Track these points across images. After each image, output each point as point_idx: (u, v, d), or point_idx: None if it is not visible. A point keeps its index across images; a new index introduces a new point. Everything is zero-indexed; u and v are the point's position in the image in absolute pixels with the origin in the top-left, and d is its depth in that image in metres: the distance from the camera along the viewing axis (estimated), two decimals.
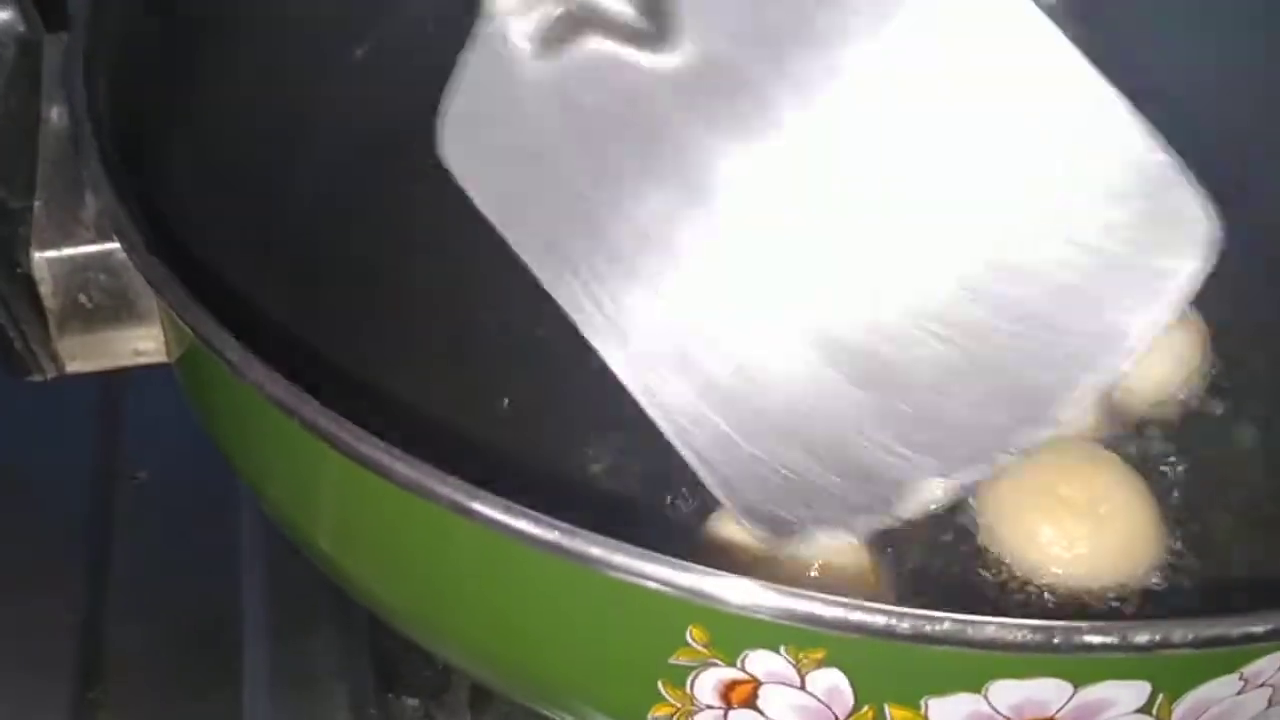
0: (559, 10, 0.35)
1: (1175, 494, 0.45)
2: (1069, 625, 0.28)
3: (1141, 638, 0.28)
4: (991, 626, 0.28)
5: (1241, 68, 0.57)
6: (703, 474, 0.36)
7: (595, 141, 0.35)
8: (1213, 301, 0.48)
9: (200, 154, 0.46)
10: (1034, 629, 0.28)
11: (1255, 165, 0.55)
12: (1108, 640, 0.28)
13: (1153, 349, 0.46)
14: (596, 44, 0.35)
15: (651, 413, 0.36)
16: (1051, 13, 0.58)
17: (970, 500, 0.44)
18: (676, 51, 0.35)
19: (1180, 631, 0.28)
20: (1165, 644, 0.28)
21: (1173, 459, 0.46)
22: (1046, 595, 0.42)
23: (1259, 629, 0.29)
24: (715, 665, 0.31)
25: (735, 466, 0.35)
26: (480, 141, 0.35)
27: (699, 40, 0.35)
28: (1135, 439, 0.47)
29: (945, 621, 0.28)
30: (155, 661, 0.47)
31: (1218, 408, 0.48)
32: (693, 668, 0.32)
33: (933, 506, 0.36)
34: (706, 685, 0.32)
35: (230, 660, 0.47)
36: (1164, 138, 0.38)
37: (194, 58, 0.47)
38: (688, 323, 0.35)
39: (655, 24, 0.35)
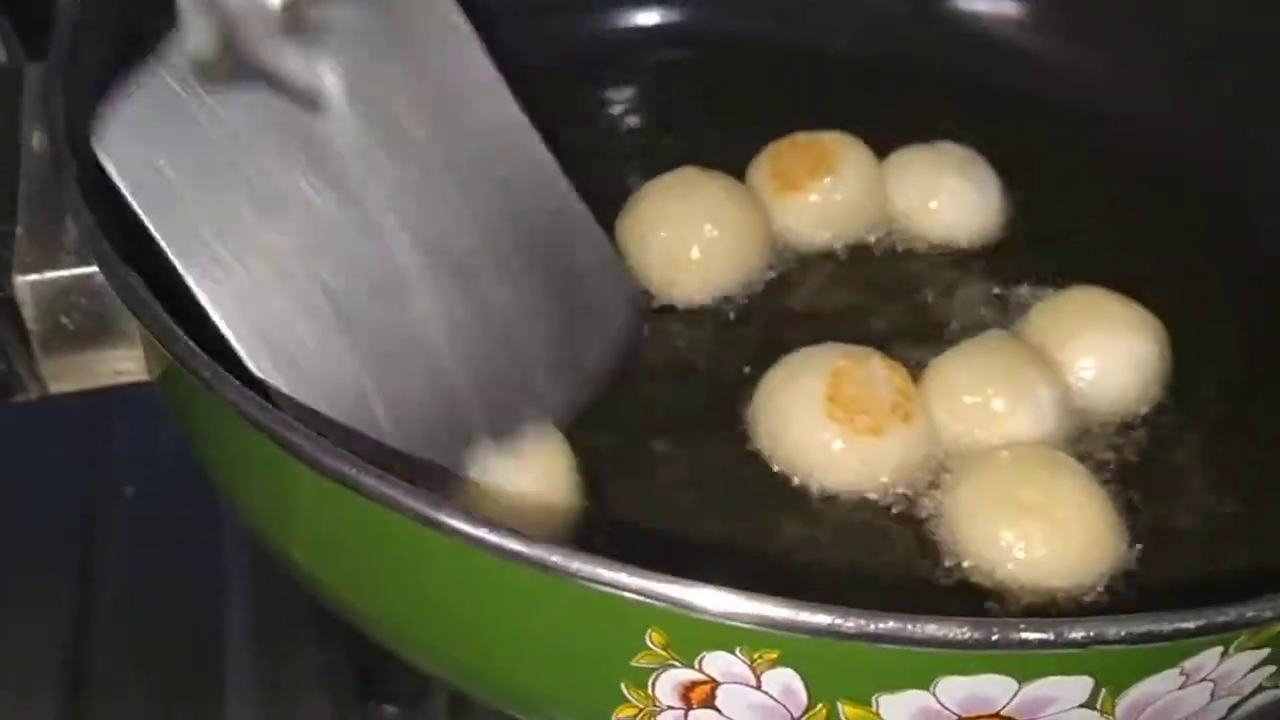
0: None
1: (1133, 498, 0.46)
2: (1006, 622, 0.29)
3: (1077, 634, 0.29)
4: (932, 625, 0.29)
5: (1206, 77, 0.58)
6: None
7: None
8: (1173, 307, 0.50)
9: None
10: (973, 626, 0.29)
11: (1216, 172, 0.57)
12: (1044, 636, 0.29)
13: (1113, 355, 0.49)
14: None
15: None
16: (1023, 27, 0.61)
17: (929, 503, 0.45)
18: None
19: (1114, 628, 0.30)
20: (1100, 640, 0.29)
21: (1132, 463, 0.47)
22: (1005, 597, 0.43)
23: (1190, 625, 0.30)
24: (674, 667, 0.33)
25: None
26: (143, 142, 0.39)
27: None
28: (1095, 444, 0.48)
29: (888, 620, 0.29)
30: (141, 674, 0.48)
31: (1177, 413, 0.49)
32: (653, 669, 0.33)
33: None
34: (667, 686, 0.33)
35: (214, 671, 0.47)
36: None
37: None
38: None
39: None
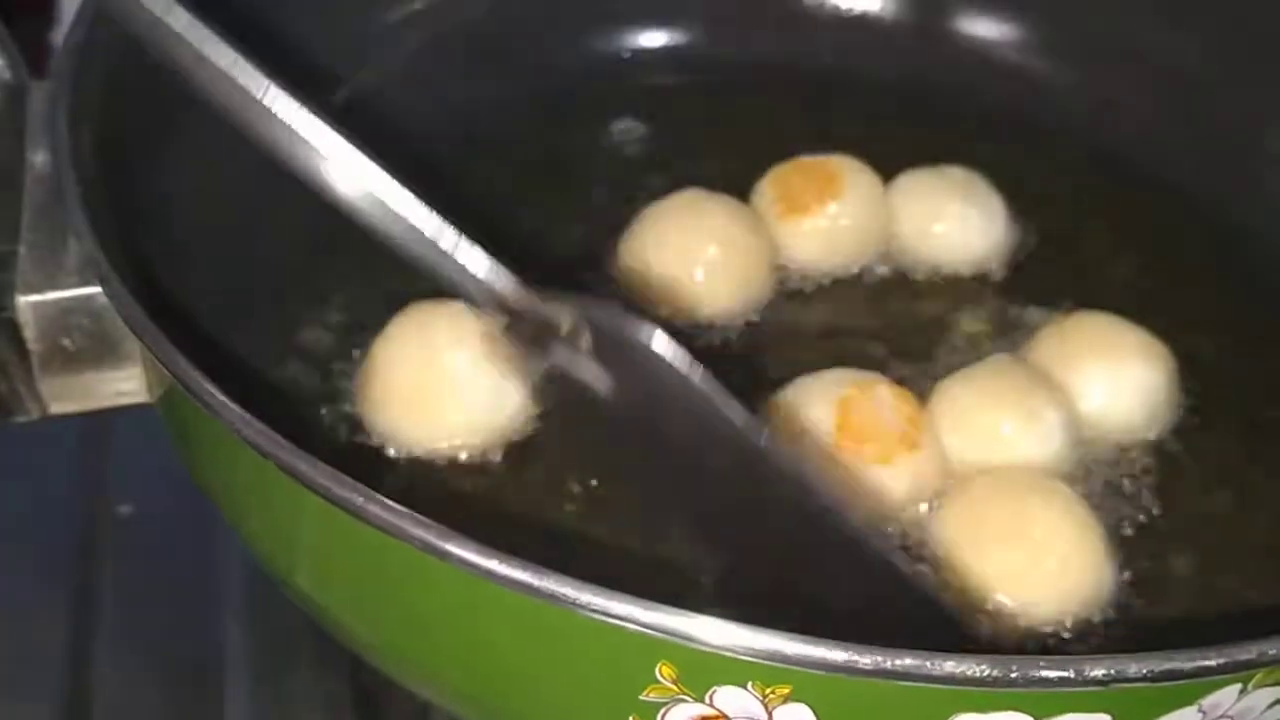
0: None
1: (1138, 523, 0.46)
2: (1025, 660, 0.29)
3: (1097, 671, 0.29)
4: (950, 662, 0.29)
5: (1213, 101, 0.58)
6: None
7: None
8: (1180, 332, 0.49)
9: (182, 198, 0.47)
10: (991, 663, 0.29)
11: (1224, 196, 0.57)
12: (1064, 674, 0.29)
13: (1120, 381, 0.48)
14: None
15: None
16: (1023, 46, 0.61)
17: (926, 528, 0.45)
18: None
19: (1136, 666, 0.29)
20: (1121, 678, 0.29)
21: (1138, 489, 0.47)
22: (997, 626, 0.42)
23: (1213, 662, 0.29)
24: (685, 701, 0.32)
25: None
26: None
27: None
28: (1101, 470, 0.47)
29: (905, 657, 0.29)
30: (139, 694, 0.47)
31: (1184, 440, 0.49)
32: (663, 704, 0.32)
33: None
34: None
35: (213, 693, 0.47)
36: None
37: (175, 104, 0.47)
38: None
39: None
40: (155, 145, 0.46)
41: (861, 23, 0.63)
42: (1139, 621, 0.43)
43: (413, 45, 0.59)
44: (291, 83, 0.52)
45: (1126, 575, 0.44)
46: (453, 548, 0.30)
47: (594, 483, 0.46)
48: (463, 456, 0.46)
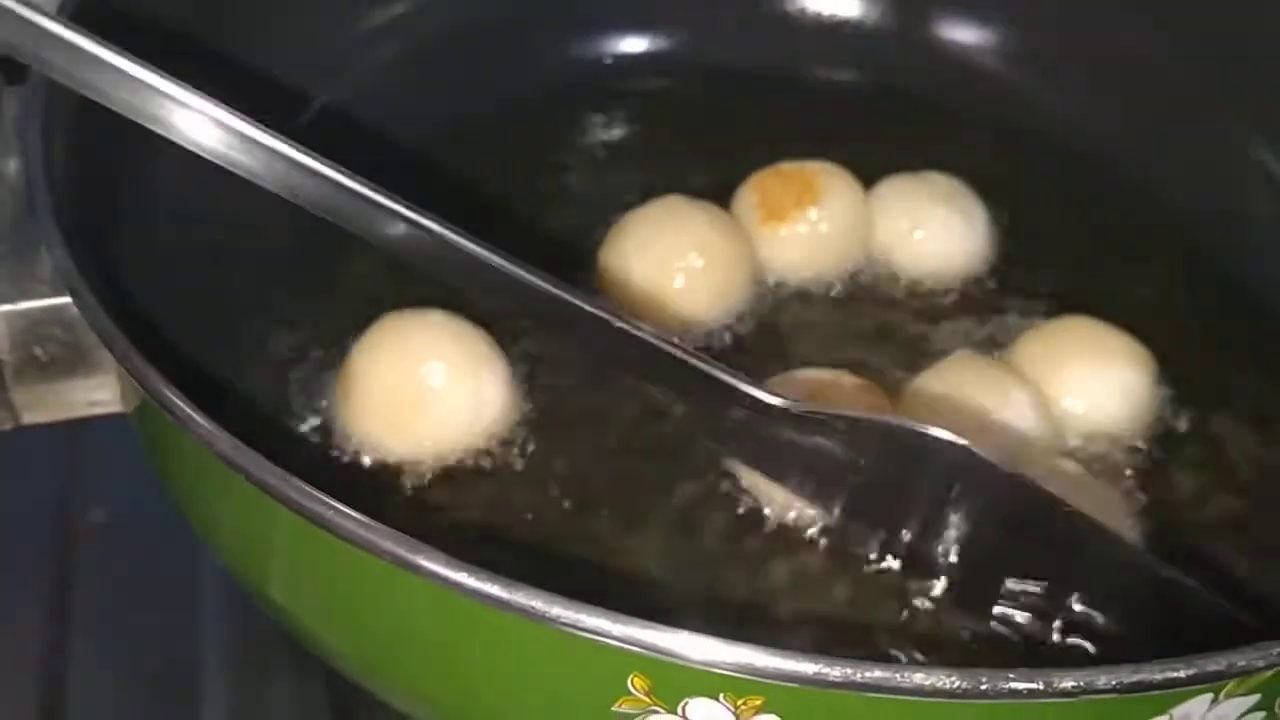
0: None
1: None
2: (995, 672, 0.29)
3: (1067, 683, 0.29)
4: (919, 674, 0.29)
5: (1190, 109, 0.58)
6: None
7: None
8: (1161, 336, 0.49)
9: (155, 207, 0.46)
10: (961, 675, 0.29)
11: (1202, 201, 0.57)
12: (1033, 686, 0.29)
13: (1103, 385, 0.48)
14: None
15: None
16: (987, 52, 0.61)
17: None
18: None
19: (1105, 678, 0.29)
20: (1090, 689, 0.29)
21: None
22: None
23: (1181, 674, 0.29)
24: (657, 713, 0.32)
25: None
26: None
27: None
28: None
29: (874, 670, 0.29)
30: (115, 703, 0.47)
31: (1167, 443, 0.49)
32: (635, 715, 0.32)
33: None
34: None
35: (189, 700, 0.47)
36: None
37: None
38: None
39: None
40: (128, 154, 0.46)
41: (841, 29, 0.62)
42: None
43: (393, 51, 0.59)
44: (272, 89, 0.53)
45: None
46: (423, 561, 0.30)
47: (574, 492, 0.46)
48: (440, 466, 0.46)
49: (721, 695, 0.31)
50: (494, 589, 0.30)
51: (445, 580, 0.30)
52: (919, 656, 0.42)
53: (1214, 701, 0.32)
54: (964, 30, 0.62)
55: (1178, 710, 0.32)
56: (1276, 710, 0.34)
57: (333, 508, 0.31)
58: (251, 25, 0.51)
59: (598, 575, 0.44)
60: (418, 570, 0.30)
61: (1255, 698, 0.33)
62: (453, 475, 0.46)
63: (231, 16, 0.52)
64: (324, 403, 0.47)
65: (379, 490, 0.45)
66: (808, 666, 0.29)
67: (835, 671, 0.29)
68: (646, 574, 0.44)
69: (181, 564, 0.50)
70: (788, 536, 0.45)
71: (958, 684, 0.29)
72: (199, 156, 0.49)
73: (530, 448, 0.47)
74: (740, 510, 0.46)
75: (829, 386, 0.46)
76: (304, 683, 0.47)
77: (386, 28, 0.58)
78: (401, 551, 0.30)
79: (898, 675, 0.29)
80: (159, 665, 0.48)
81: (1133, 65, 0.59)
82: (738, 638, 0.30)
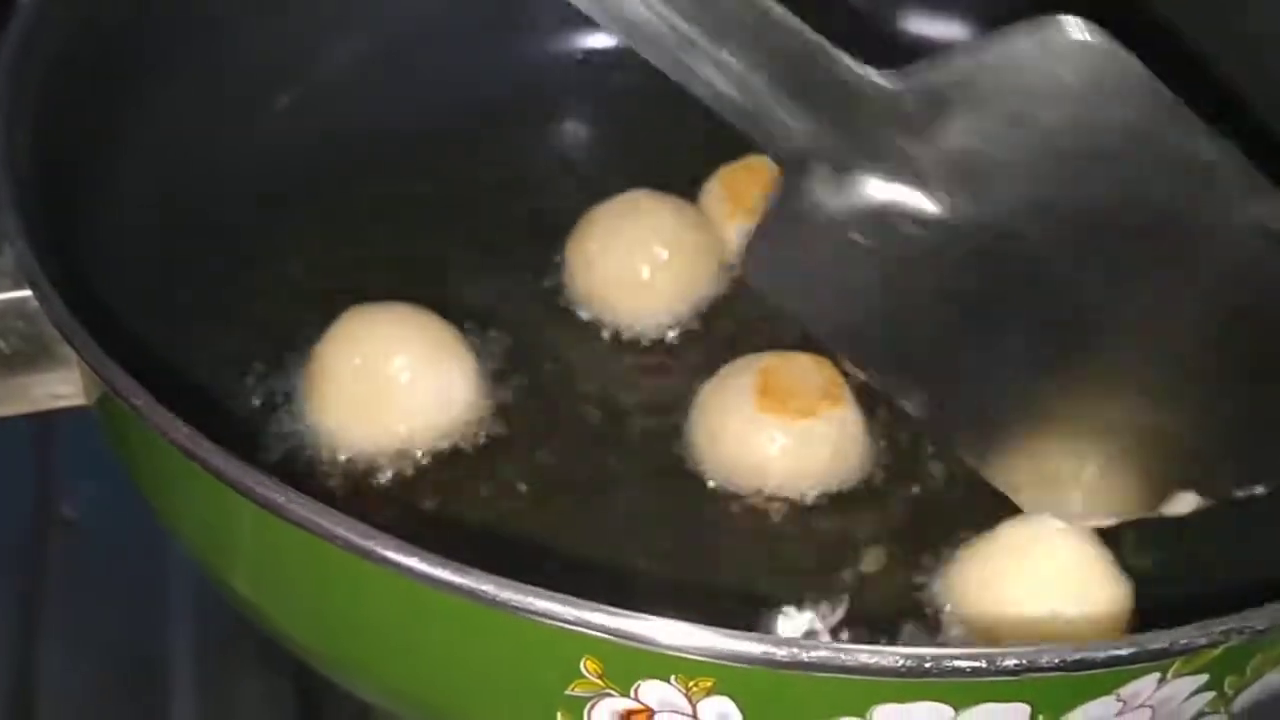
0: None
1: None
2: (940, 651, 0.29)
3: (1010, 661, 0.29)
4: (864, 654, 0.29)
5: None
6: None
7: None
8: None
9: (119, 201, 0.47)
10: (906, 655, 0.29)
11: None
12: (977, 664, 0.29)
13: None
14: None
15: None
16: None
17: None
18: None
19: (1048, 655, 0.29)
20: (1034, 667, 0.29)
21: None
22: None
23: (1124, 651, 0.30)
24: (610, 696, 0.32)
25: None
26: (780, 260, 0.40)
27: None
28: None
29: (820, 650, 0.29)
30: (84, 697, 0.47)
31: None
32: (589, 698, 0.33)
33: None
34: (603, 715, 0.33)
35: (158, 695, 0.47)
36: None
37: (115, 107, 0.48)
38: None
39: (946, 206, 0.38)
40: (92, 149, 0.46)
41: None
42: None
43: (362, 46, 0.59)
44: (232, 86, 0.53)
45: None
46: (374, 546, 0.31)
47: (539, 482, 0.47)
48: (407, 458, 0.47)
49: (673, 677, 0.31)
50: (445, 573, 0.30)
51: (397, 565, 0.30)
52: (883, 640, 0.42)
53: (1161, 681, 0.32)
54: (930, 24, 0.62)
55: (1125, 690, 0.32)
56: (1226, 689, 0.35)
57: (286, 494, 0.31)
58: (216, 23, 0.52)
59: (562, 563, 0.45)
60: (369, 555, 0.31)
61: (1204, 677, 0.33)
62: (420, 467, 0.46)
63: (198, 12, 0.52)
64: (291, 397, 0.48)
65: (346, 482, 0.46)
66: (754, 646, 0.29)
67: (781, 652, 0.29)
68: (611, 561, 0.45)
69: (151, 559, 0.50)
70: (751, 520, 0.45)
71: (902, 663, 0.29)
72: (163, 154, 0.50)
73: (497, 439, 0.48)
74: (702, 497, 0.46)
75: (785, 364, 0.47)
76: (271, 675, 0.47)
77: (358, 20, 0.58)
78: (353, 537, 0.31)
79: (843, 654, 0.29)
80: (128, 660, 0.48)
81: None
82: (693, 620, 0.30)
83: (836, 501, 0.46)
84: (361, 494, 0.46)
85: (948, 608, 0.43)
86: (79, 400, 0.42)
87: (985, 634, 0.41)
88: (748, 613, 0.42)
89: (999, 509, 0.43)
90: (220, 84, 0.52)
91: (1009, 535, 0.42)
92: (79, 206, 0.44)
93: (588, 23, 0.62)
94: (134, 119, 0.48)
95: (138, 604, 0.49)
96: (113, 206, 0.46)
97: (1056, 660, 0.29)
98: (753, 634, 0.29)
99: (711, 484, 0.46)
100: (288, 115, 0.55)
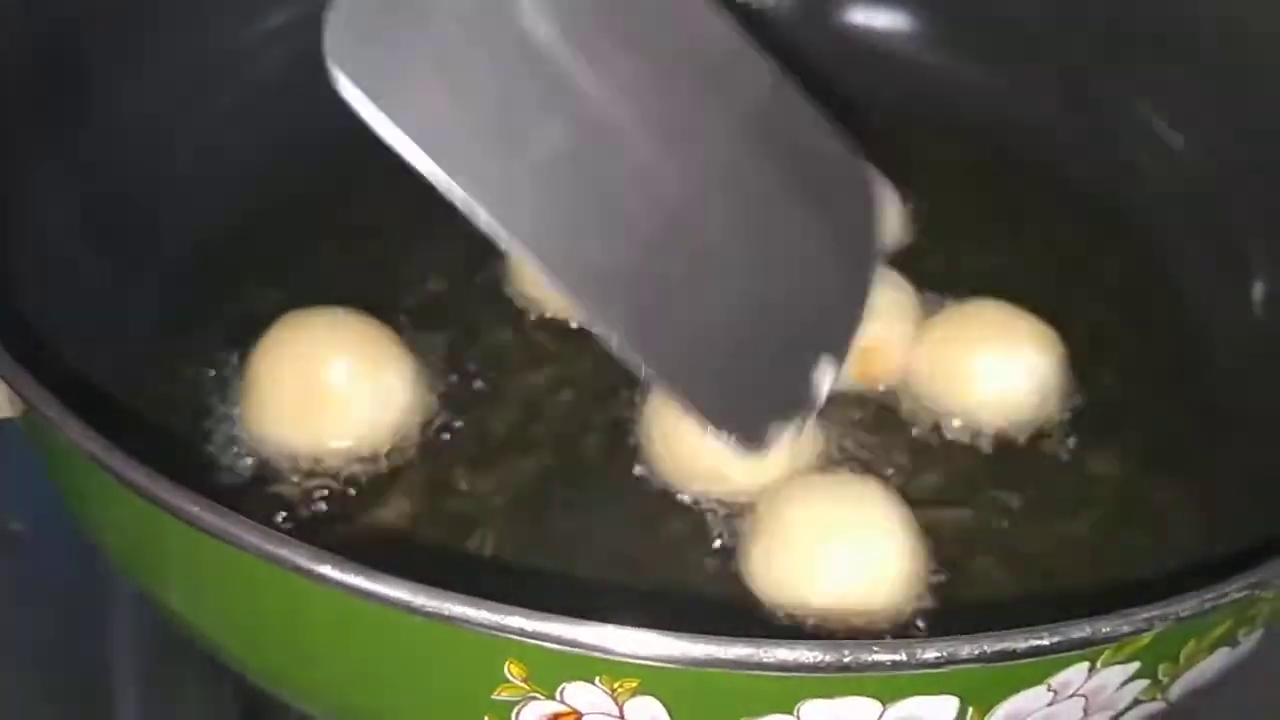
0: None
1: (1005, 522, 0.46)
2: (859, 644, 0.29)
3: (930, 654, 0.29)
4: (782, 649, 0.29)
5: (1094, 87, 0.58)
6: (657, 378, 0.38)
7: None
8: (1066, 318, 0.50)
9: (51, 217, 0.46)
10: (824, 649, 0.29)
11: (1107, 182, 0.57)
12: (897, 657, 0.29)
13: (1011, 368, 0.48)
14: None
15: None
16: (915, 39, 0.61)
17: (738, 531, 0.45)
18: None
19: (968, 647, 0.29)
20: (954, 659, 0.29)
21: (1032, 474, 0.47)
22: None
23: (1046, 641, 0.29)
24: (537, 699, 0.32)
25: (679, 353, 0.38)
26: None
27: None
28: (995, 458, 0.48)
29: (738, 646, 0.29)
30: (28, 708, 0.47)
31: (1074, 426, 0.49)
32: (516, 703, 0.32)
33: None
34: (531, 719, 0.33)
35: (102, 705, 0.46)
36: None
37: (49, 122, 0.47)
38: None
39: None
40: (25, 163, 0.45)
41: (749, 14, 0.63)
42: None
43: (306, 45, 0.58)
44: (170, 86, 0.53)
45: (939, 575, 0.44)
46: (288, 554, 0.30)
47: (479, 489, 0.46)
48: (347, 462, 0.46)
49: (598, 678, 0.31)
50: (359, 580, 0.30)
51: (311, 574, 0.30)
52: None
53: (1092, 670, 0.32)
54: (874, 15, 0.62)
55: (1055, 679, 0.32)
56: (1160, 677, 0.34)
57: (199, 504, 0.31)
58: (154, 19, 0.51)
59: (506, 570, 0.44)
60: (284, 564, 0.30)
61: (1135, 665, 0.33)
62: (358, 473, 0.46)
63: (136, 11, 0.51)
64: (227, 406, 0.47)
65: (282, 491, 0.45)
66: (671, 645, 0.29)
67: (699, 650, 0.29)
68: (557, 568, 0.44)
69: (97, 571, 0.50)
70: (704, 524, 0.45)
71: (821, 658, 0.29)
72: (97, 171, 0.49)
73: (439, 442, 0.47)
74: (646, 501, 0.46)
75: None
76: (215, 687, 0.47)
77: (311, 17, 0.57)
78: (266, 546, 0.30)
79: (761, 651, 0.29)
80: (72, 669, 0.48)
81: (1044, 50, 0.60)
82: (619, 622, 0.30)
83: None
84: (302, 503, 0.45)
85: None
86: (7, 413, 0.42)
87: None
88: (702, 617, 0.42)
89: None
90: (159, 84, 0.51)
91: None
92: (9, 223, 0.43)
93: None
94: (70, 134, 0.48)
95: (84, 615, 0.49)
96: (45, 223, 0.46)
97: (976, 651, 0.29)
98: (670, 632, 0.29)
99: (662, 487, 0.46)
100: (236, 112, 0.54)
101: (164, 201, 0.51)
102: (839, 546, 0.42)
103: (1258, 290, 0.52)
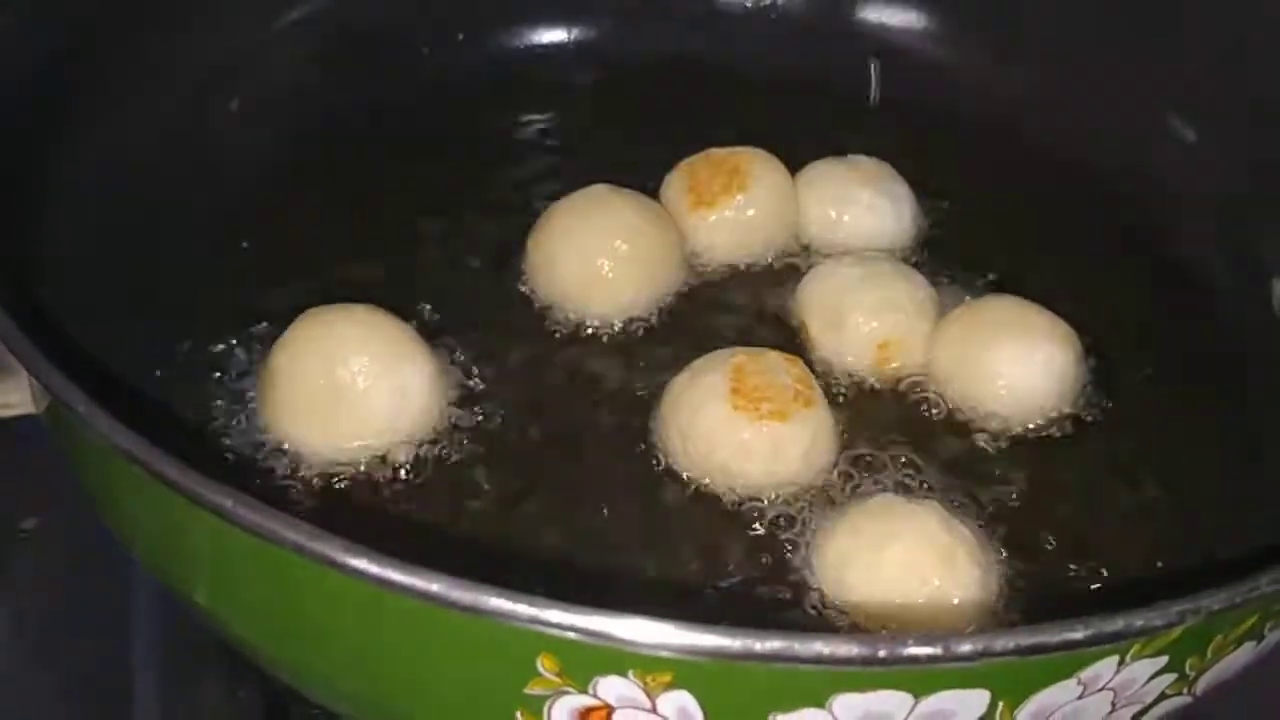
0: None
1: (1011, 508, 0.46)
2: (894, 638, 0.29)
3: (964, 648, 0.29)
4: (819, 643, 0.29)
5: (1113, 88, 0.59)
6: None
7: None
8: (1087, 314, 0.50)
9: (67, 210, 0.46)
10: (860, 643, 0.29)
11: (1125, 180, 0.57)
12: (932, 651, 0.29)
13: (1029, 364, 0.48)
14: None
15: None
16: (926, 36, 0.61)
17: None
18: None
19: (1002, 641, 0.29)
20: (988, 653, 0.29)
21: (1045, 472, 0.47)
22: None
23: (1078, 635, 0.30)
24: (568, 693, 0.32)
25: None
26: None
27: None
28: (1008, 454, 0.48)
29: (774, 640, 0.29)
30: (48, 708, 0.47)
31: (1091, 422, 0.49)
32: (547, 696, 0.32)
33: None
34: (562, 713, 0.33)
35: (122, 703, 0.46)
36: None
37: (62, 115, 0.47)
38: None
39: None
40: (38, 155, 0.45)
41: (766, 15, 0.63)
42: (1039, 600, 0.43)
43: (315, 45, 0.58)
44: (184, 89, 0.53)
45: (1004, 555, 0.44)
46: (323, 548, 0.30)
47: (501, 484, 0.46)
48: (367, 460, 0.46)
49: (630, 672, 0.31)
50: (394, 574, 0.30)
51: (346, 567, 0.30)
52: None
53: (1121, 664, 0.32)
54: (888, 14, 0.62)
55: (1085, 673, 0.32)
56: (1188, 671, 0.35)
57: (234, 497, 0.31)
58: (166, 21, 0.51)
59: (531, 563, 0.44)
60: (318, 558, 0.30)
61: (1163, 659, 0.33)
62: (380, 470, 0.46)
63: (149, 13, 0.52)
64: (248, 403, 0.47)
65: (305, 488, 0.45)
66: (707, 638, 0.29)
67: (735, 643, 0.29)
68: (581, 560, 0.44)
69: (114, 567, 0.50)
70: (721, 519, 0.45)
71: (857, 652, 0.29)
72: (110, 162, 0.49)
73: (460, 439, 0.47)
74: (673, 495, 0.46)
75: (756, 361, 0.46)
76: (238, 685, 0.47)
77: (310, 19, 0.57)
78: (302, 540, 0.30)
79: (796, 645, 0.29)
80: (92, 669, 0.48)
81: (1054, 45, 0.60)
82: (656, 615, 0.30)
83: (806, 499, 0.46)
84: (321, 499, 0.45)
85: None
86: (29, 409, 0.42)
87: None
88: (719, 609, 0.42)
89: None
90: (171, 88, 0.52)
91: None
92: (25, 215, 0.43)
93: (540, 18, 0.64)
94: (83, 129, 0.48)
95: (100, 613, 0.49)
96: (61, 215, 0.46)
97: (1011, 645, 0.29)
98: (706, 625, 0.29)
99: (681, 482, 0.46)
100: (244, 112, 0.54)
101: (182, 198, 0.52)
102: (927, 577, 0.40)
103: (1277, 287, 0.52)
